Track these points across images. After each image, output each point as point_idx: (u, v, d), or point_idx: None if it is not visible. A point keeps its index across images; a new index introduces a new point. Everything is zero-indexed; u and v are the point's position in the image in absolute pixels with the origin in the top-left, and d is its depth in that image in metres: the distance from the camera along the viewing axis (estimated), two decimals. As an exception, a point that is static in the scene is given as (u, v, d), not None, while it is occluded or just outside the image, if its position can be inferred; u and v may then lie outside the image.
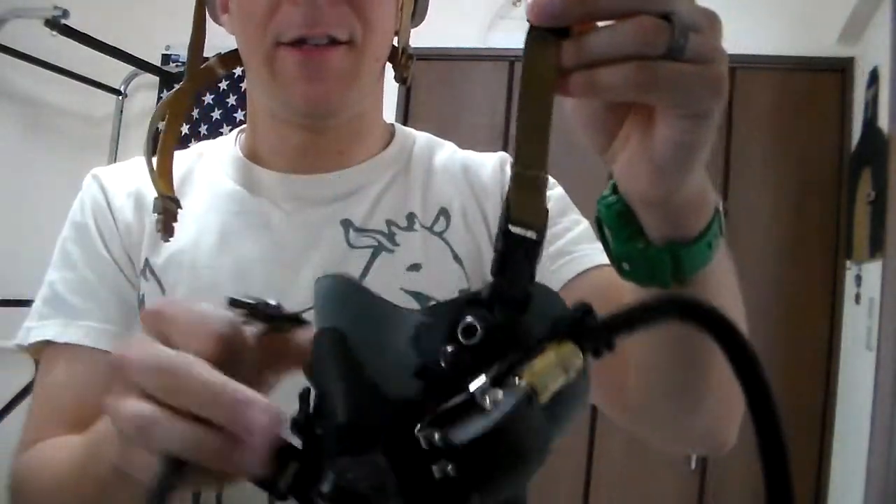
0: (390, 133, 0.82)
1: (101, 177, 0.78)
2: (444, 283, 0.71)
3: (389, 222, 0.74)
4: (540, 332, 0.34)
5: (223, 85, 3.19)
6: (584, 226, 0.75)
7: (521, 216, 0.36)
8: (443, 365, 0.33)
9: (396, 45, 0.78)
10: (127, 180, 0.77)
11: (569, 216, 0.76)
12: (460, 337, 0.34)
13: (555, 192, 0.78)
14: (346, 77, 0.69)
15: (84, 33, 2.81)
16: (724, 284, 0.50)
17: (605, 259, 0.64)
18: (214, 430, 0.34)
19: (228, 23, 0.74)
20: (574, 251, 0.72)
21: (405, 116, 3.04)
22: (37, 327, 0.72)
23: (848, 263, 2.59)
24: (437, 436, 0.30)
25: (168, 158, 0.73)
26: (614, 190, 0.46)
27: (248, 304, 0.39)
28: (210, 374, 0.35)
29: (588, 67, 0.37)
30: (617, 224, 0.47)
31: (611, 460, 2.77)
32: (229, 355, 0.36)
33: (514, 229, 0.36)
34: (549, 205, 0.74)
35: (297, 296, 0.66)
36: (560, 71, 0.37)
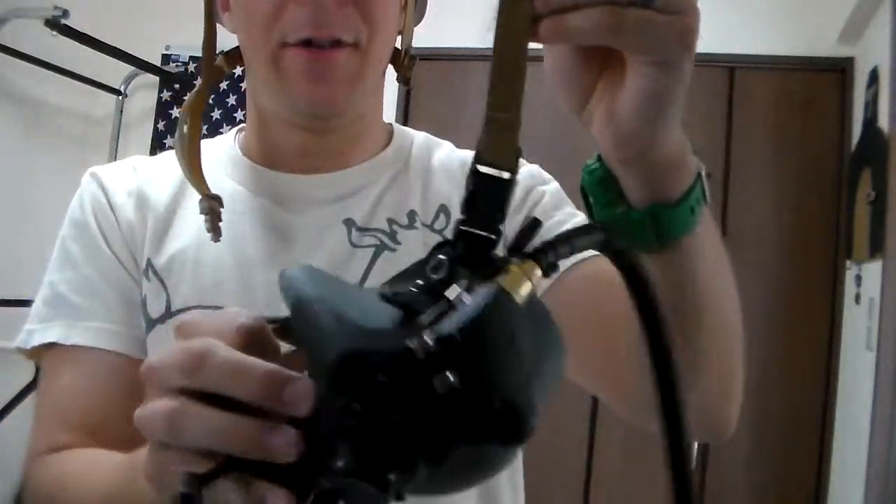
0: (389, 133, 0.82)
1: (100, 175, 0.78)
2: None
3: (391, 221, 0.74)
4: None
5: (223, 85, 3.18)
6: (579, 218, 0.75)
7: (491, 157, 0.37)
8: (414, 291, 0.34)
9: (399, 46, 0.78)
10: (127, 179, 0.77)
11: (563, 209, 0.76)
12: (429, 273, 0.35)
13: (550, 187, 0.78)
14: (350, 79, 0.69)
15: (84, 33, 2.81)
16: (710, 252, 0.50)
17: None
18: (246, 417, 0.33)
19: (230, 21, 0.74)
20: None
21: (405, 116, 3.04)
22: (39, 330, 0.72)
23: (848, 263, 2.59)
24: (428, 337, 0.31)
25: (197, 159, 0.73)
26: (599, 159, 0.47)
27: (281, 319, 0.39)
28: (232, 351, 0.34)
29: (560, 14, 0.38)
30: (598, 189, 0.47)
31: (610, 460, 2.77)
32: (253, 346, 0.36)
33: (484, 169, 0.37)
34: (545, 199, 0.76)
35: None
36: (533, 19, 0.38)
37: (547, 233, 0.78)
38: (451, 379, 0.31)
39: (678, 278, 0.49)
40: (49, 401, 0.71)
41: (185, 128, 0.74)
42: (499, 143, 0.37)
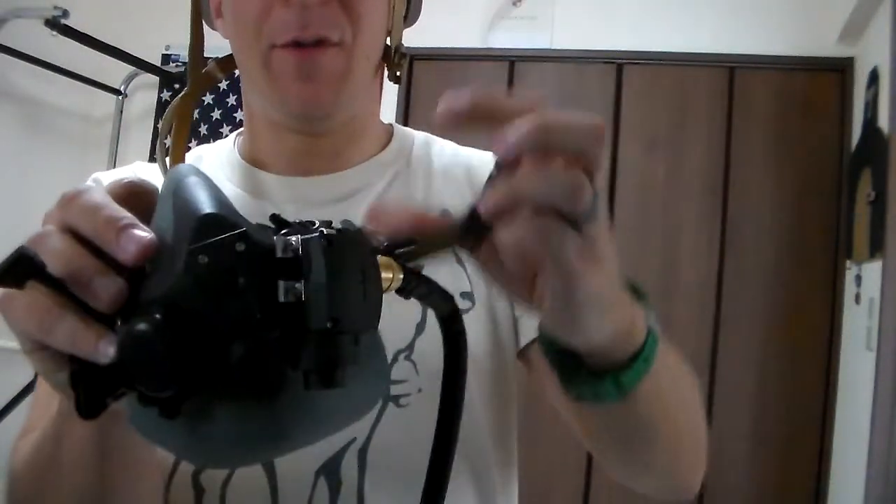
0: (388, 133, 0.81)
1: (103, 181, 0.78)
2: (446, 285, 0.71)
3: None
4: None
5: (223, 85, 3.19)
6: None
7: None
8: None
9: (389, 44, 0.78)
10: None
11: None
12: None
13: None
14: (337, 77, 0.69)
15: (84, 33, 2.81)
16: (665, 382, 0.53)
17: None
18: (93, 254, 0.36)
19: (223, 27, 0.75)
20: None
21: (405, 117, 3.04)
22: None
23: (848, 263, 2.59)
24: (294, 241, 0.33)
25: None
26: None
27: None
28: (103, 196, 0.37)
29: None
30: (559, 359, 0.49)
31: (611, 460, 2.77)
32: (131, 201, 0.38)
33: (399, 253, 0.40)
34: None
35: None
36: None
37: None
38: (297, 287, 0.32)
39: (636, 415, 0.53)
40: (43, 388, 0.71)
41: (169, 134, 0.74)
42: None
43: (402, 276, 0.39)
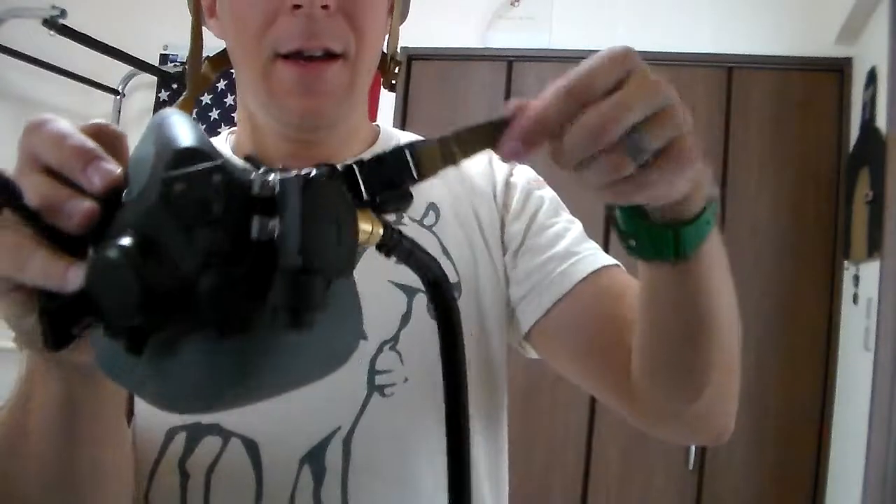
0: (375, 134, 0.82)
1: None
2: None
3: None
4: None
5: (221, 85, 3.19)
6: (578, 225, 0.77)
7: (426, 157, 0.41)
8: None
9: (385, 50, 0.79)
10: None
11: (562, 216, 0.78)
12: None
13: (548, 193, 0.79)
14: (340, 90, 0.70)
15: (82, 33, 2.80)
16: (718, 264, 0.53)
17: (608, 260, 0.72)
18: (64, 185, 0.36)
19: (216, 27, 0.74)
20: (580, 251, 0.73)
21: (403, 116, 3.04)
22: None
23: (846, 263, 2.59)
24: (272, 180, 0.33)
25: None
26: None
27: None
28: (69, 126, 0.38)
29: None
30: (647, 232, 0.49)
31: (608, 461, 2.77)
32: (102, 141, 0.38)
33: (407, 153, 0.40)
34: (545, 205, 0.76)
35: None
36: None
37: (556, 238, 0.80)
38: (270, 224, 0.32)
39: (694, 289, 0.52)
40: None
41: None
42: (435, 154, 0.41)
43: (381, 232, 0.39)
